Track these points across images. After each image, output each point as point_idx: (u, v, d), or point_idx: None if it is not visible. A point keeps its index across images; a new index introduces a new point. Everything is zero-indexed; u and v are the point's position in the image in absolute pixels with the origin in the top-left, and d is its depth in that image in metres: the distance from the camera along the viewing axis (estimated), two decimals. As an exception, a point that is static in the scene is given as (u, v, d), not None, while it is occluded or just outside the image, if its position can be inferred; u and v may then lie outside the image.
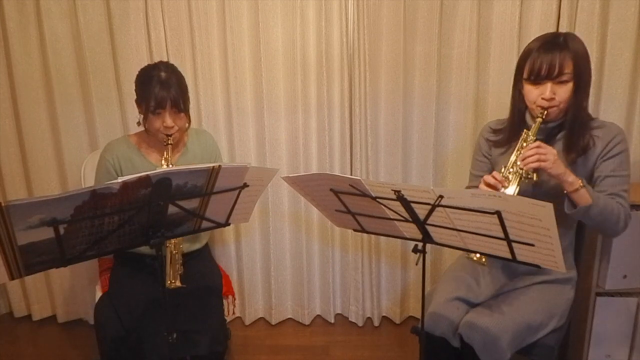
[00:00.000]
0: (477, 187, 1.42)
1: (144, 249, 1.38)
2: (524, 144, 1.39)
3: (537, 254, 1.13)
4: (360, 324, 2.40)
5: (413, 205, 1.20)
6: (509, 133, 1.54)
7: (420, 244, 1.32)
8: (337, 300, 2.45)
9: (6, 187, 2.30)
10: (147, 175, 1.14)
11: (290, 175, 1.37)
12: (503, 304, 1.42)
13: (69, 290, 2.43)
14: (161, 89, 1.57)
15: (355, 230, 1.46)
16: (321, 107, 2.17)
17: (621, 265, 1.75)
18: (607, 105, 2.02)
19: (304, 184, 1.40)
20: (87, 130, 2.22)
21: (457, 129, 2.18)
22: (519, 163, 1.35)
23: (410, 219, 1.26)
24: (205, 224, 1.42)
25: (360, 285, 2.36)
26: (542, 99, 1.38)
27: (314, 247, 2.36)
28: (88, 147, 2.23)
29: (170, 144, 1.63)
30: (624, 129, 1.47)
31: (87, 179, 1.97)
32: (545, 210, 1.02)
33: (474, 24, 2.03)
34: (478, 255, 1.31)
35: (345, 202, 1.34)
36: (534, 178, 1.35)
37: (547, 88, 1.37)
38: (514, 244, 1.15)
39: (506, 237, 1.14)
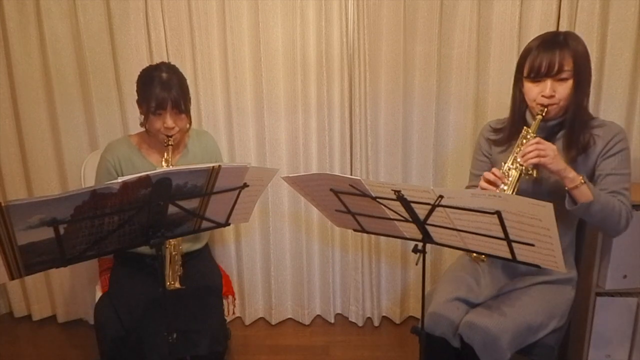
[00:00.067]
0: (477, 186, 1.42)
1: (144, 249, 1.38)
2: (524, 141, 1.39)
3: (537, 254, 1.13)
4: (360, 324, 2.40)
5: (413, 205, 1.20)
6: (509, 132, 1.55)
7: (420, 244, 1.32)
8: (337, 300, 2.45)
9: (6, 187, 2.30)
10: (147, 175, 1.14)
11: (290, 175, 1.37)
12: (503, 304, 1.42)
13: (69, 290, 2.43)
14: (162, 90, 1.57)
15: (355, 230, 1.46)
16: (321, 107, 2.17)
17: (621, 265, 1.75)
18: (607, 105, 2.02)
19: (304, 184, 1.40)
20: (87, 130, 2.22)
21: (457, 129, 2.18)
22: (518, 159, 1.35)
23: (410, 219, 1.26)
24: (205, 224, 1.42)
25: (360, 285, 2.36)
26: (542, 96, 1.38)
27: (314, 247, 2.36)
28: (88, 147, 2.23)
29: (171, 144, 1.63)
30: (624, 129, 1.47)
31: (87, 179, 1.96)
32: (546, 210, 1.02)
33: (474, 24, 2.03)
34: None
35: (345, 202, 1.34)
36: (534, 174, 1.35)
37: (547, 85, 1.38)
38: (514, 244, 1.15)
39: (506, 237, 1.14)
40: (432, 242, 1.30)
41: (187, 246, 1.77)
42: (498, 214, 1.08)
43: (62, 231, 1.09)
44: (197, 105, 2.15)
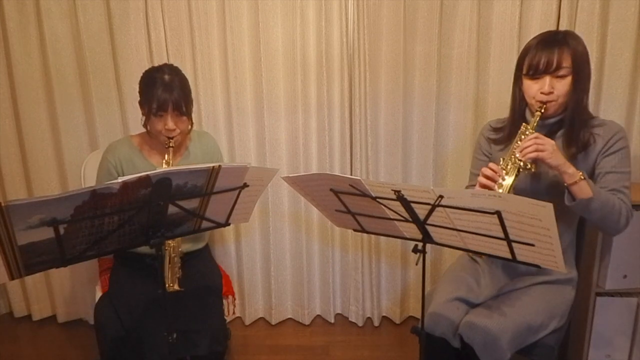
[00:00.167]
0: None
1: (144, 249, 1.38)
2: (523, 137, 1.39)
3: (537, 254, 1.13)
4: (360, 324, 2.40)
5: (413, 205, 1.20)
6: (509, 130, 1.55)
7: (420, 244, 1.32)
8: (337, 300, 2.45)
9: (6, 187, 2.30)
10: (147, 175, 1.14)
11: (290, 175, 1.37)
12: (503, 304, 1.42)
13: (69, 290, 2.43)
14: (164, 92, 1.57)
15: (355, 230, 1.46)
16: (321, 107, 2.17)
17: (621, 265, 1.75)
18: (607, 105, 2.02)
19: (304, 184, 1.40)
20: (87, 130, 2.22)
21: (457, 129, 2.18)
22: (517, 154, 1.35)
23: (410, 219, 1.26)
24: (205, 224, 1.42)
25: (360, 285, 2.36)
26: (541, 93, 1.39)
27: (314, 247, 2.36)
28: (88, 147, 2.23)
29: (172, 146, 1.63)
30: (624, 128, 1.47)
31: (87, 179, 1.96)
32: (546, 211, 1.02)
33: (474, 24, 2.03)
34: None
35: (345, 202, 1.34)
36: (532, 169, 1.35)
37: (546, 82, 1.39)
38: (514, 244, 1.15)
39: (506, 237, 1.14)
40: (432, 242, 1.30)
41: (188, 246, 1.77)
42: (498, 214, 1.08)
43: (62, 231, 1.09)
44: (197, 105, 2.15)
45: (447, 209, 1.16)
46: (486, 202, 1.09)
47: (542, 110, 1.40)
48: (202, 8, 2.09)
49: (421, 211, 1.21)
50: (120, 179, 1.10)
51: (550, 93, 1.39)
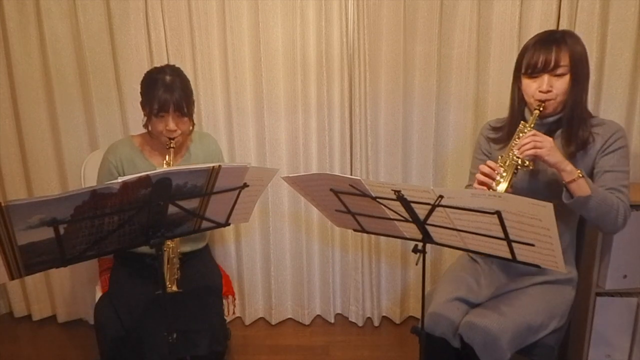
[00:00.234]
0: None
1: (144, 249, 1.38)
2: (521, 135, 1.39)
3: (537, 254, 1.13)
4: (360, 324, 2.40)
5: (413, 205, 1.20)
6: (508, 129, 1.55)
7: (420, 244, 1.32)
8: (337, 300, 2.45)
9: (6, 187, 2.30)
10: (147, 175, 1.14)
11: (290, 175, 1.37)
12: (503, 304, 1.41)
13: (69, 290, 2.43)
14: (165, 92, 1.58)
15: (355, 230, 1.46)
16: (321, 107, 2.17)
17: (621, 265, 1.75)
18: (607, 105, 2.02)
19: (304, 184, 1.40)
20: (87, 130, 2.22)
21: (457, 129, 2.18)
22: (515, 152, 1.35)
23: (410, 219, 1.26)
24: (205, 224, 1.42)
25: (360, 285, 2.36)
26: (540, 91, 1.40)
27: (314, 247, 2.36)
28: (88, 147, 2.23)
29: (173, 147, 1.63)
30: (624, 128, 1.47)
31: (87, 179, 1.96)
32: (546, 211, 1.02)
33: (474, 24, 2.03)
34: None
35: (345, 202, 1.34)
36: (530, 166, 1.35)
37: (544, 80, 1.39)
38: (514, 244, 1.15)
39: (506, 237, 1.14)
40: (432, 242, 1.30)
41: (188, 246, 1.77)
42: (498, 214, 1.08)
43: (62, 231, 1.09)
44: (197, 105, 2.14)
45: (447, 209, 1.16)
46: (486, 202, 1.09)
47: (541, 109, 1.40)
48: (202, 8, 2.09)
49: (421, 211, 1.21)
50: (120, 179, 1.10)
51: (549, 91, 1.39)
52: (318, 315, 2.47)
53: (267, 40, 2.10)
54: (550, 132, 1.46)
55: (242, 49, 2.13)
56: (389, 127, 2.19)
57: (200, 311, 1.64)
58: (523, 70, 1.44)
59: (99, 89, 2.16)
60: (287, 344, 2.27)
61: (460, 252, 1.34)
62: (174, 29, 2.12)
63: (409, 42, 2.09)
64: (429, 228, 1.26)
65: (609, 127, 1.43)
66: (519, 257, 1.17)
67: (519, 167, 1.34)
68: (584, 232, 1.64)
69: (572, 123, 1.43)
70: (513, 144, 1.39)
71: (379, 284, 2.36)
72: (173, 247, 1.61)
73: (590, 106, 1.56)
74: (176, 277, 1.61)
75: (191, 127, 1.71)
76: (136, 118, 1.69)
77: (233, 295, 1.97)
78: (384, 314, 2.43)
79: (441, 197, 1.13)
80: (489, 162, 1.37)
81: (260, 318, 2.46)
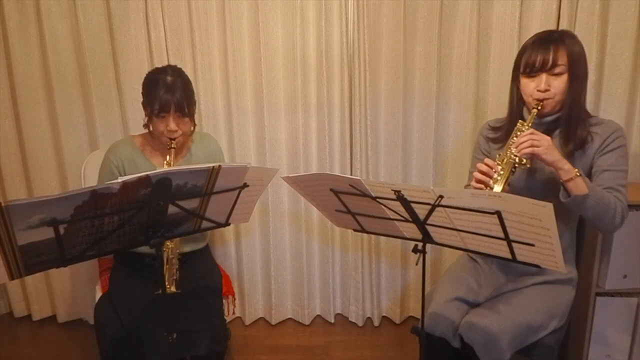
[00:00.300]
0: None
1: (144, 249, 1.38)
2: (519, 133, 1.39)
3: (537, 254, 1.13)
4: (360, 324, 2.40)
5: (413, 205, 1.20)
6: (507, 129, 1.55)
7: (420, 244, 1.32)
8: (337, 300, 2.45)
9: (6, 187, 2.30)
10: (147, 175, 1.14)
11: (290, 175, 1.37)
12: (503, 304, 1.41)
13: (69, 290, 2.43)
14: (166, 93, 1.58)
15: (355, 230, 1.46)
16: (321, 107, 2.17)
17: (621, 265, 1.75)
18: (607, 105, 2.02)
19: (304, 184, 1.40)
20: (87, 130, 2.22)
21: (457, 129, 2.18)
22: (513, 150, 1.35)
23: (410, 219, 1.26)
24: (205, 224, 1.42)
25: (360, 285, 2.36)
26: (538, 90, 1.40)
27: (314, 247, 2.36)
28: (88, 147, 2.23)
29: (174, 147, 1.63)
30: (624, 129, 1.47)
31: (87, 179, 1.96)
32: (545, 210, 1.02)
33: (474, 24, 2.03)
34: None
35: (345, 202, 1.34)
36: (527, 165, 1.35)
37: (542, 80, 1.40)
38: (514, 244, 1.15)
39: (506, 237, 1.14)
40: (432, 242, 1.30)
41: (188, 247, 1.77)
42: (498, 214, 1.08)
43: (62, 231, 1.09)
44: (197, 105, 2.13)
45: (447, 209, 1.16)
46: (486, 202, 1.09)
47: (539, 108, 1.41)
48: (202, 8, 2.09)
49: (421, 211, 1.21)
50: (120, 179, 1.10)
51: (547, 90, 1.40)
52: (318, 315, 2.47)
53: (267, 40, 2.10)
54: (548, 132, 1.46)
55: (242, 49, 2.13)
56: (389, 127, 2.19)
57: (200, 311, 1.64)
58: (521, 70, 1.45)
59: (99, 89, 2.16)
60: (287, 344, 2.27)
61: (460, 252, 1.34)
62: (174, 29, 2.12)
63: (409, 42, 2.09)
64: (429, 228, 1.26)
65: (607, 126, 1.43)
66: (519, 257, 1.17)
67: (516, 165, 1.34)
68: (584, 232, 1.64)
69: (570, 122, 1.44)
70: (511, 143, 1.39)
71: (379, 284, 2.36)
72: (172, 248, 1.61)
73: (590, 106, 1.56)
74: (175, 278, 1.61)
75: (192, 128, 1.71)
76: (136, 118, 1.69)
77: (233, 295, 1.97)
78: (384, 314, 2.43)
79: (441, 197, 1.13)
80: (487, 160, 1.37)
81: (260, 318, 2.46)
